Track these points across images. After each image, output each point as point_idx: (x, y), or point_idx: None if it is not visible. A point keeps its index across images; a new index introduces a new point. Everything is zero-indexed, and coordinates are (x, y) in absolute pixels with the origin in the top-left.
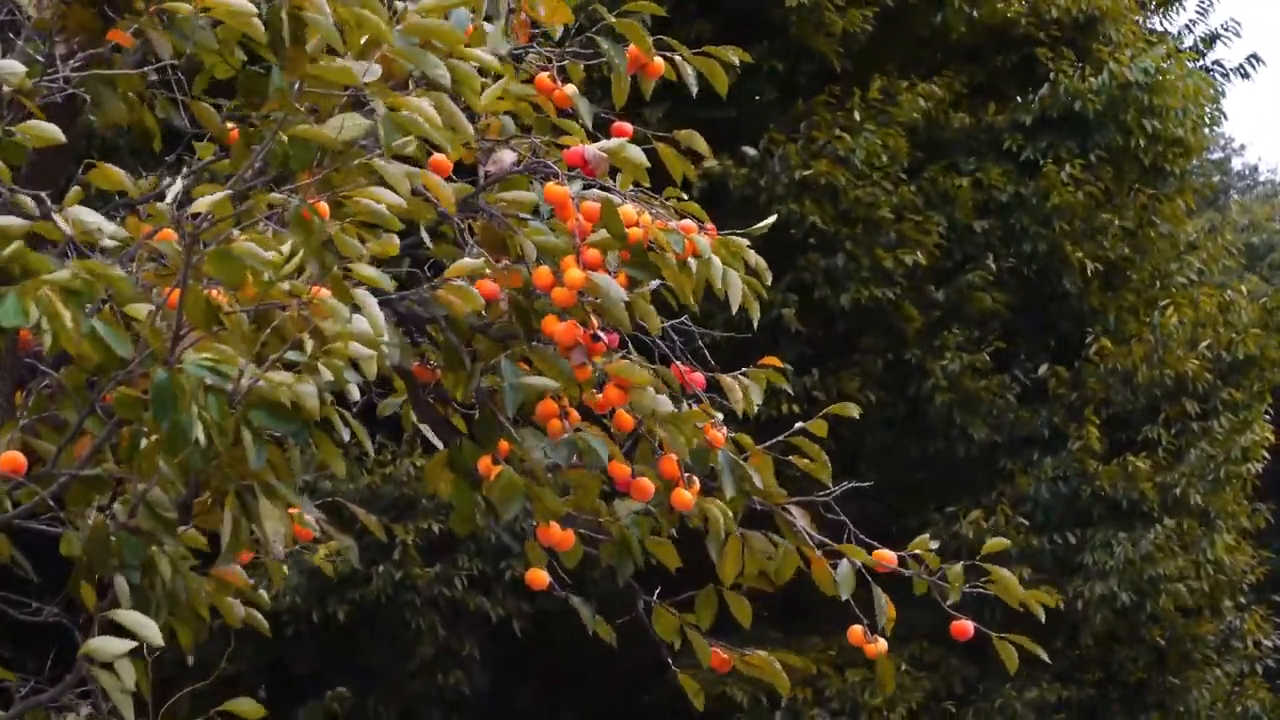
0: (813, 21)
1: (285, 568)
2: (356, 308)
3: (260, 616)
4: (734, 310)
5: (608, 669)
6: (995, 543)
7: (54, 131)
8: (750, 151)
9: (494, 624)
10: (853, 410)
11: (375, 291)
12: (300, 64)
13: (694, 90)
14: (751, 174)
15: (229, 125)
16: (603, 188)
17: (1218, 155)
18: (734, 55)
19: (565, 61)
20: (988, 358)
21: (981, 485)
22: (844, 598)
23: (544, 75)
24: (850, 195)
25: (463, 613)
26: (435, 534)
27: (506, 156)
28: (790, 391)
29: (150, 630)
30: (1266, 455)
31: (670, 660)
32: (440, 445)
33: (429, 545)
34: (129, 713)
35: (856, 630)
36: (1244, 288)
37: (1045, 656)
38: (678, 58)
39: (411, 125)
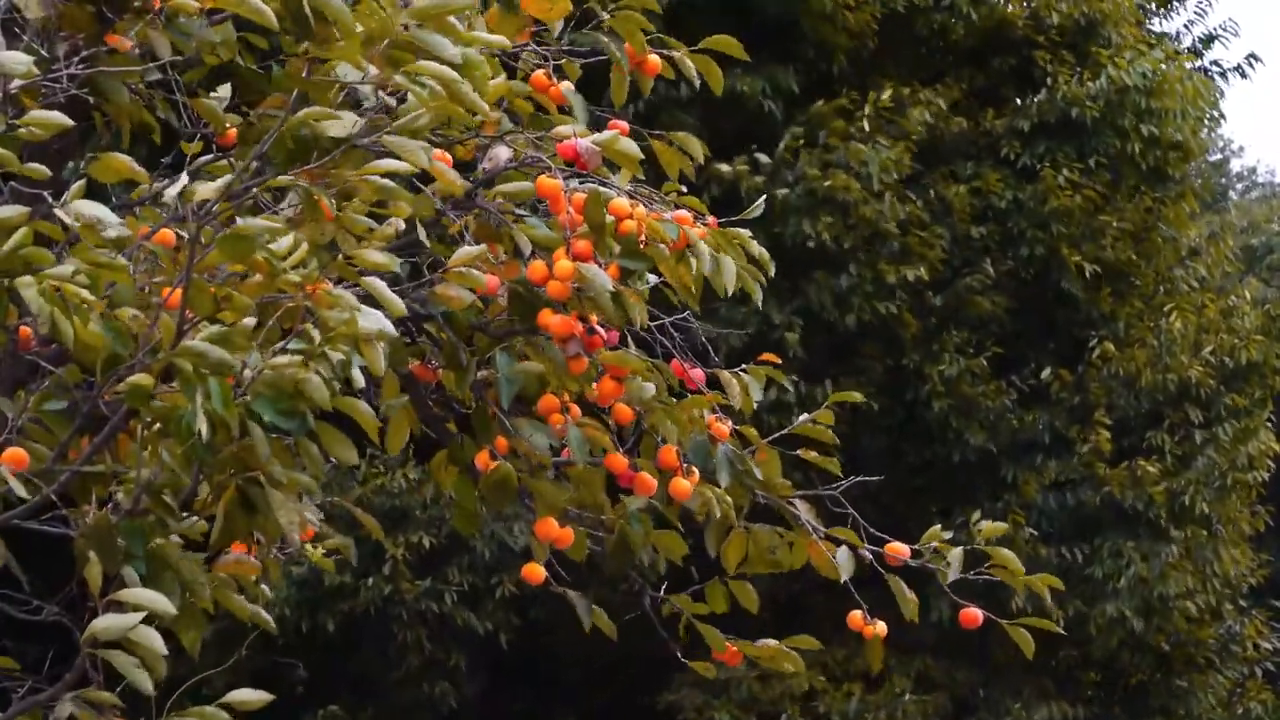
0: (831, 21)
1: (290, 564)
2: (368, 297)
3: (265, 615)
4: (729, 292)
5: (598, 676)
6: (993, 527)
7: (60, 118)
8: (764, 159)
9: (483, 636)
10: (857, 397)
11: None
12: (327, 39)
13: (695, 84)
14: (765, 183)
15: (229, 126)
16: (602, 184)
17: (1216, 157)
18: (731, 45)
19: (562, 60)
20: (985, 363)
21: (980, 490)
22: (843, 580)
23: (539, 73)
24: (858, 209)
25: (450, 625)
26: (426, 548)
27: (502, 153)
28: (793, 391)
29: (162, 602)
30: (1271, 464)
31: (681, 655)
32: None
33: (419, 559)
34: (147, 685)
35: (856, 615)
36: (1247, 293)
37: (1060, 630)
38: (676, 55)
39: (430, 96)
